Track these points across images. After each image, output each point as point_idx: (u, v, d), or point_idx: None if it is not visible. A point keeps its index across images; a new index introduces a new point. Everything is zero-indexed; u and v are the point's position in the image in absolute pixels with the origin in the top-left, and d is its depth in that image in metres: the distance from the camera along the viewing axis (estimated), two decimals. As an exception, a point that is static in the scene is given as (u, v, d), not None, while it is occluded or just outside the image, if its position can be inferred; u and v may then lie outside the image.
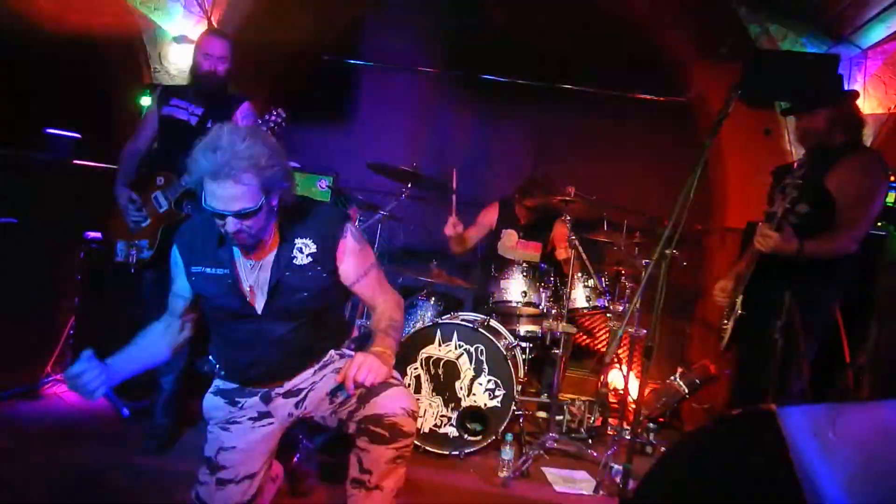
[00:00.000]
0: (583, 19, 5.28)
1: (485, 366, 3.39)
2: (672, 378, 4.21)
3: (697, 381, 4.15)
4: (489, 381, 3.39)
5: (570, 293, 3.61)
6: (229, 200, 1.85)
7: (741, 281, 2.86)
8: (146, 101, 4.21)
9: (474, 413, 3.39)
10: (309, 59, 5.21)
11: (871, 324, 2.62)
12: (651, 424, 3.99)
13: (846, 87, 3.82)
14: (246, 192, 1.85)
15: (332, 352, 2.26)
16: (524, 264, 3.78)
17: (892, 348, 2.48)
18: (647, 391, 4.51)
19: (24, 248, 3.31)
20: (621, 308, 3.83)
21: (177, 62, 4.81)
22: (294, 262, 2.05)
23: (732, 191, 5.28)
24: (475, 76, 5.25)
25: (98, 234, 3.45)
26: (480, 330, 3.39)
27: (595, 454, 3.46)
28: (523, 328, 3.89)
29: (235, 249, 2.05)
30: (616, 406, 4.38)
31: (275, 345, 2.10)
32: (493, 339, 3.39)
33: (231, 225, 1.89)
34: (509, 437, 3.23)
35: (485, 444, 3.36)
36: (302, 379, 2.20)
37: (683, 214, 2.12)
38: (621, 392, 4.36)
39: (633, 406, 4.17)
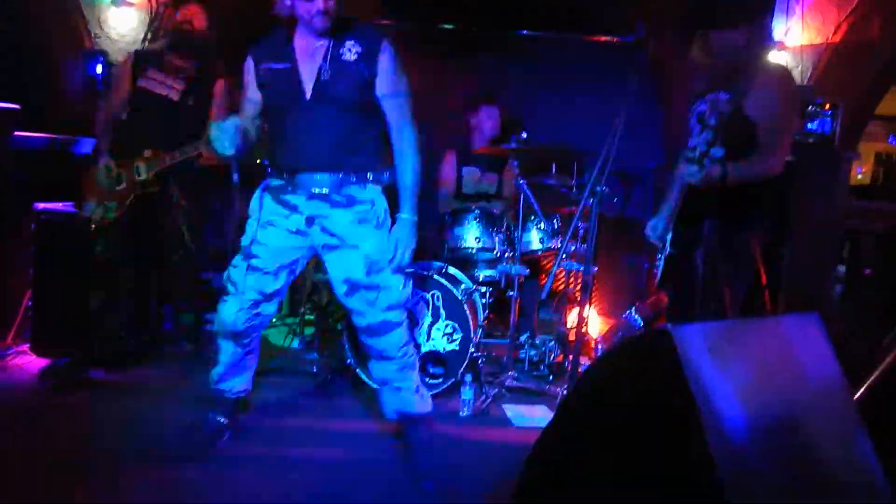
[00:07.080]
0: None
1: (441, 311, 3.49)
2: (628, 313, 4.35)
3: (651, 315, 4.29)
4: (447, 325, 3.49)
5: (521, 236, 3.70)
6: None
7: (671, 218, 2.87)
8: (98, 68, 4.38)
9: (434, 357, 3.50)
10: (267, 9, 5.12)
11: (785, 246, 2.71)
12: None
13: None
14: None
15: (371, 206, 2.54)
16: (477, 211, 3.85)
17: (805, 269, 2.57)
18: (605, 327, 4.67)
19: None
20: (574, 248, 3.94)
21: (117, 26, 4.71)
22: (342, 57, 2.42)
23: (682, 130, 5.34)
24: (423, 27, 5.20)
25: (48, 205, 3.45)
26: (435, 276, 3.48)
27: (555, 389, 3.60)
28: (482, 273, 3.99)
29: (295, 48, 2.43)
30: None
31: (319, 130, 2.45)
32: (449, 285, 3.48)
33: (321, 2, 2.28)
34: (468, 377, 3.35)
35: (445, 386, 3.48)
36: (343, 220, 2.50)
37: (611, 151, 2.18)
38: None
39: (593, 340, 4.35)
